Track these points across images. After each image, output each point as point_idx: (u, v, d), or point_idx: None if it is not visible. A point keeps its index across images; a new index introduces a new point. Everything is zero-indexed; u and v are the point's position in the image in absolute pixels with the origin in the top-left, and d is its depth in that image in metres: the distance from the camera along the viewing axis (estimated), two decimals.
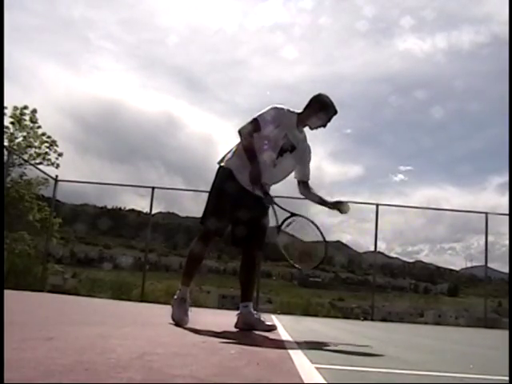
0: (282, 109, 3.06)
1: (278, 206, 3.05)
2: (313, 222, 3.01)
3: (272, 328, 3.00)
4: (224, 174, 3.08)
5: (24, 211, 13.50)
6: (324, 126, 3.13)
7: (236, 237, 3.11)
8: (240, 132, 3.01)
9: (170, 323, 2.99)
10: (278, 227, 3.01)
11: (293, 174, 3.25)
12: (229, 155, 3.15)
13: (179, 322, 2.95)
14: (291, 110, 3.11)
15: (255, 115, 3.00)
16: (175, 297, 3.08)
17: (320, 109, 3.06)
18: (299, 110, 3.12)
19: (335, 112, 3.11)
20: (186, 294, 3.06)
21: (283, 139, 3.03)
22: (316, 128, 3.14)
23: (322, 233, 2.98)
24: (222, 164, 3.13)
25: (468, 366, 2.19)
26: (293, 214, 3.04)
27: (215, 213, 3.02)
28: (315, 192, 3.27)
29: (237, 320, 3.01)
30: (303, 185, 3.26)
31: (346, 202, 3.21)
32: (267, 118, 2.98)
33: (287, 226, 3.03)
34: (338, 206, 3.19)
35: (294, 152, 3.09)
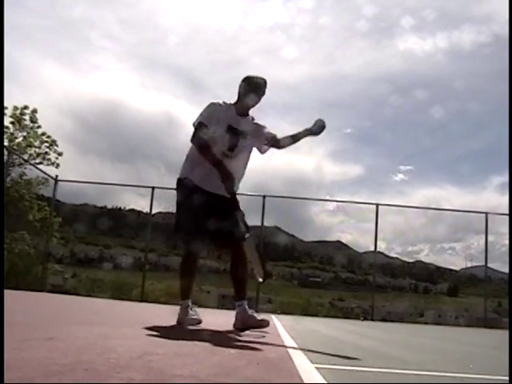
0: (217, 103, 3.06)
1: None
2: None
3: (264, 324, 2.83)
4: (186, 186, 3.03)
5: (24, 211, 13.49)
6: (258, 100, 3.11)
7: (218, 241, 3.07)
8: (195, 142, 2.96)
9: (170, 323, 3.01)
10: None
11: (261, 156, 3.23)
12: (185, 166, 3.12)
13: (185, 323, 3.00)
14: (227, 102, 3.10)
15: (196, 119, 2.98)
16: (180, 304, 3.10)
17: (249, 89, 3.07)
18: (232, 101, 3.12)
19: (264, 82, 3.11)
20: (187, 303, 3.08)
21: (228, 131, 3.01)
22: (253, 106, 3.13)
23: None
24: (181, 176, 3.09)
25: (468, 366, 2.19)
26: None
27: (193, 228, 2.96)
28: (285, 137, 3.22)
29: (235, 321, 2.99)
30: (275, 141, 3.21)
31: (320, 120, 3.10)
32: (208, 115, 2.97)
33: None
34: (312, 128, 3.10)
35: (248, 136, 3.09)
